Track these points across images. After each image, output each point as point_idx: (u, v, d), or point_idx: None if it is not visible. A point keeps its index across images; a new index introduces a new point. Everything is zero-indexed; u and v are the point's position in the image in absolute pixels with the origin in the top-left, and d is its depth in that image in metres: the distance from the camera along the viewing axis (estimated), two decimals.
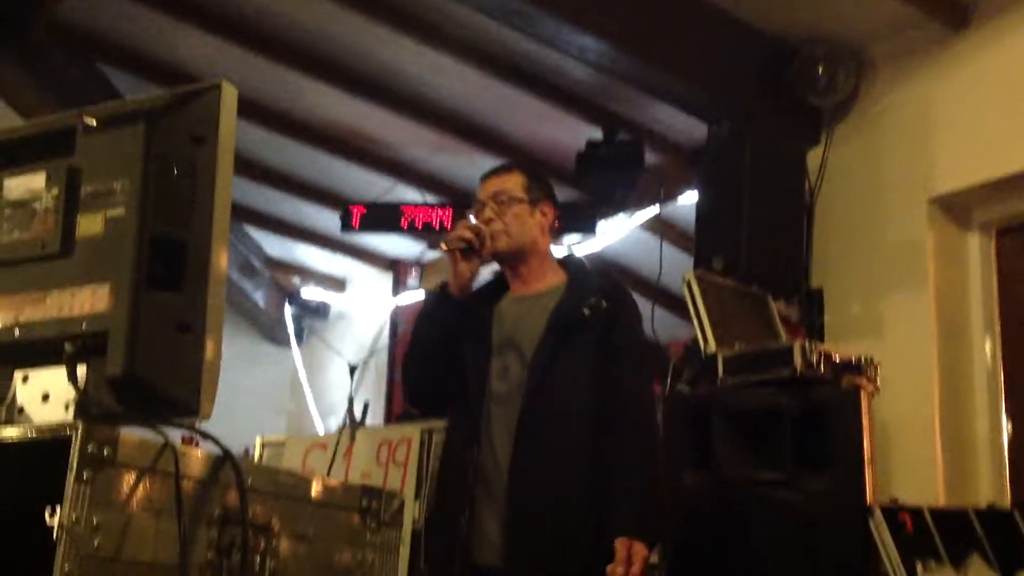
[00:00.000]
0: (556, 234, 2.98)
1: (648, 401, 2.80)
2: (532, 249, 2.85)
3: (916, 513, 2.85)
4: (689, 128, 4.82)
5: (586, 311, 2.70)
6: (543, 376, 2.66)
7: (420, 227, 5.83)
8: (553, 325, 2.71)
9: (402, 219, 5.87)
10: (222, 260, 1.49)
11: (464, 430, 2.72)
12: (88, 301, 1.44)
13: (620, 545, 2.51)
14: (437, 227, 5.72)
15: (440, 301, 2.75)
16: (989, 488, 3.75)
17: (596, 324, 2.70)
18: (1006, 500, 3.67)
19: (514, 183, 2.86)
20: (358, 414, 5.94)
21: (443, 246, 2.73)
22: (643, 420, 2.73)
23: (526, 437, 2.64)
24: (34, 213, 1.51)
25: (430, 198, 6.05)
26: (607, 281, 2.88)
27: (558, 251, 2.99)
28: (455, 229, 2.74)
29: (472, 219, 2.84)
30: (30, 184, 1.53)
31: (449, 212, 5.75)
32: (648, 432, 2.74)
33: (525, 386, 2.67)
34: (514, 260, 2.84)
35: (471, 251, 2.70)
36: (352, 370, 6.54)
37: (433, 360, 2.75)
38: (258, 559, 1.48)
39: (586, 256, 5.99)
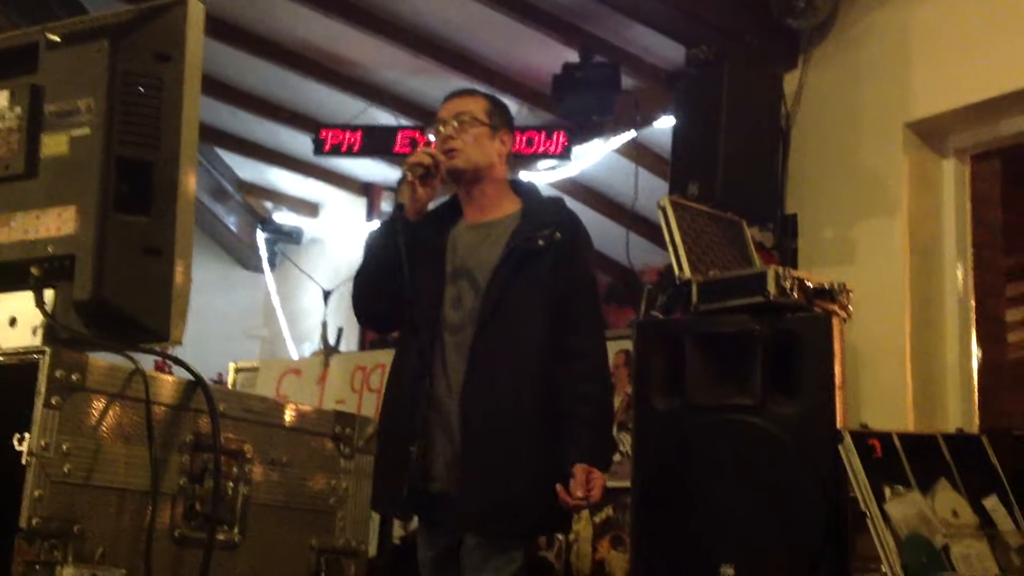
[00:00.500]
0: (512, 165, 2.97)
1: (601, 333, 2.84)
2: (488, 174, 2.83)
3: (885, 438, 2.88)
4: (666, 51, 4.77)
5: (541, 242, 2.71)
6: (497, 304, 2.66)
7: (394, 151, 5.77)
8: (508, 254, 2.70)
9: (376, 142, 5.81)
10: (190, 182, 1.46)
11: (415, 358, 2.69)
12: (54, 224, 1.42)
13: (580, 471, 2.57)
14: (410, 151, 5.66)
15: (395, 224, 2.70)
16: (958, 414, 3.80)
17: (550, 254, 2.71)
18: (974, 426, 3.71)
19: (477, 106, 2.84)
20: (332, 340, 5.94)
21: (407, 175, 2.69)
22: (598, 351, 2.79)
23: (478, 364, 2.64)
24: None
25: (404, 121, 5.98)
26: (561, 211, 2.86)
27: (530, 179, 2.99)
28: (413, 154, 2.72)
29: (431, 138, 2.84)
30: None
31: (421, 136, 5.69)
32: (603, 364, 2.82)
33: (478, 314, 2.67)
34: (470, 182, 2.82)
35: (428, 175, 2.69)
36: (326, 295, 6.53)
37: (384, 284, 2.71)
38: (231, 485, 1.48)
39: (556, 182, 5.99)
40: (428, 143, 2.84)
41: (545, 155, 5.47)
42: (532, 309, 2.68)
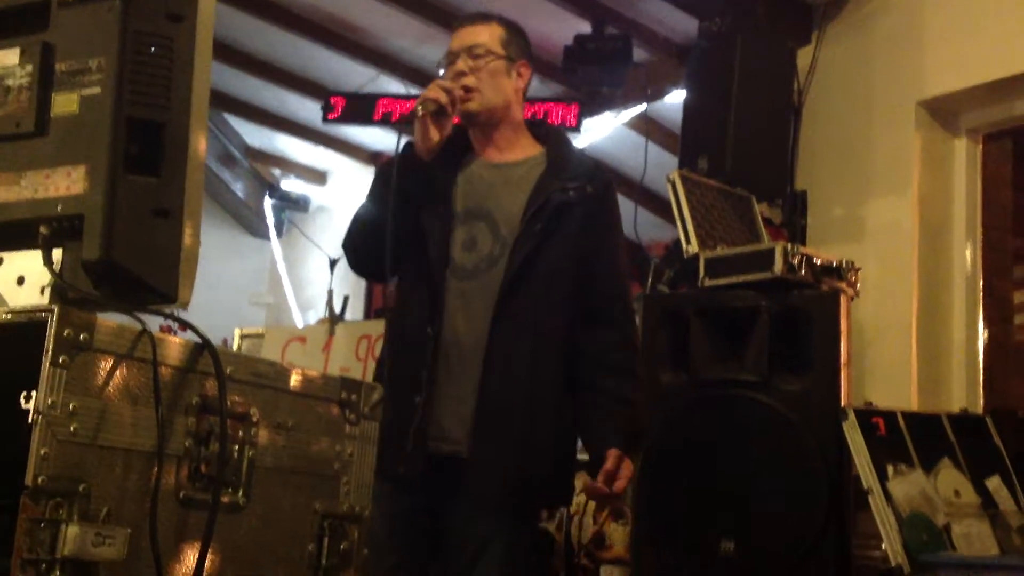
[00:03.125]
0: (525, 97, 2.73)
1: (631, 298, 2.66)
2: (505, 115, 2.61)
3: (889, 416, 2.88)
4: (679, 23, 4.75)
5: (572, 193, 2.51)
6: (527, 260, 2.45)
7: (401, 120, 5.75)
8: (541, 205, 2.49)
9: (384, 111, 5.80)
10: (201, 144, 1.45)
11: (419, 304, 2.48)
12: (63, 183, 1.41)
13: (613, 459, 2.41)
14: None
15: (406, 164, 2.46)
16: (962, 394, 3.80)
17: (581, 208, 2.52)
18: (979, 406, 3.72)
19: (491, 35, 2.60)
20: (337, 308, 5.95)
21: (418, 110, 2.45)
22: (625, 319, 2.61)
23: (503, 324, 2.43)
24: (7, 90, 1.47)
25: (413, 90, 5.96)
26: (591, 161, 2.69)
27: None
28: (427, 90, 2.48)
29: (441, 74, 2.62)
30: (3, 60, 1.49)
31: None
32: (634, 331, 2.64)
33: (507, 265, 2.45)
34: (485, 124, 2.59)
35: (442, 113, 2.46)
36: (332, 264, 6.52)
37: (394, 227, 2.43)
38: (236, 448, 1.48)
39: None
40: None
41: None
42: (563, 268, 2.49)
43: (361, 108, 5.85)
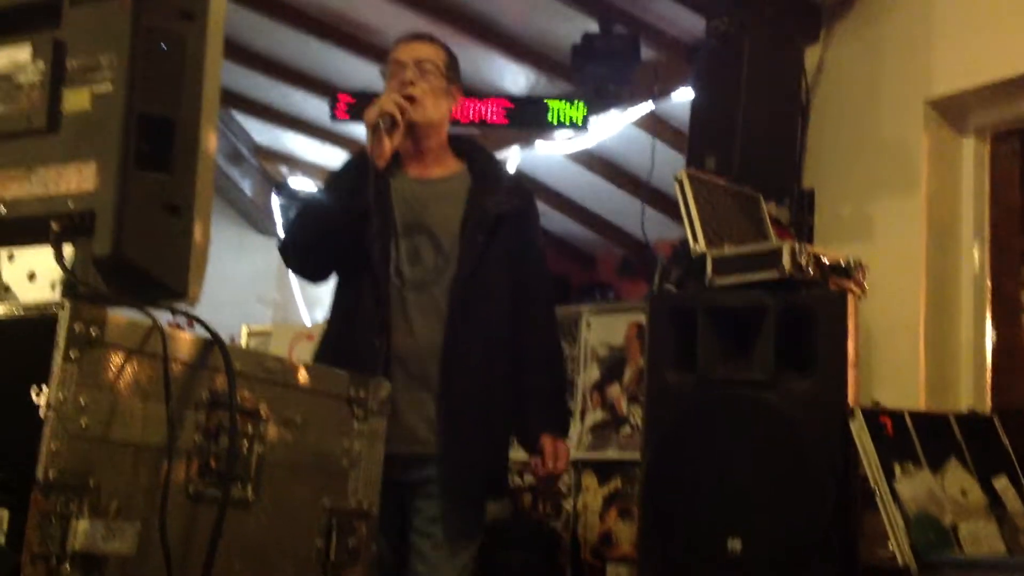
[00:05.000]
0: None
1: (553, 301, 2.91)
2: (438, 131, 2.77)
3: (897, 416, 2.88)
4: (687, 23, 4.74)
5: (504, 206, 2.71)
6: (473, 271, 2.65)
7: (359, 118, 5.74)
8: (480, 218, 2.68)
9: None
10: (211, 141, 1.46)
11: (366, 313, 2.59)
12: (74, 179, 1.42)
13: (548, 442, 2.70)
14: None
15: (364, 171, 2.57)
16: (970, 394, 3.79)
17: (512, 221, 2.73)
18: (986, 406, 3.71)
19: (438, 55, 2.78)
20: None
21: (374, 119, 2.57)
22: (553, 320, 2.87)
23: (458, 329, 2.62)
24: (19, 87, 1.48)
25: None
26: (513, 175, 2.91)
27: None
28: (380, 102, 2.62)
29: (384, 83, 2.76)
30: (15, 56, 1.49)
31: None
32: (557, 332, 2.90)
33: (455, 276, 2.64)
34: (419, 137, 2.73)
35: (395, 125, 2.60)
36: None
37: (342, 233, 2.60)
38: (245, 443, 1.49)
39: (572, 153, 5.96)
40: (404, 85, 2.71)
41: (562, 125, 5.45)
42: (502, 275, 2.70)
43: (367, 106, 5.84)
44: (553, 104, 5.41)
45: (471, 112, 5.41)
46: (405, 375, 2.59)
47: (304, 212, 2.76)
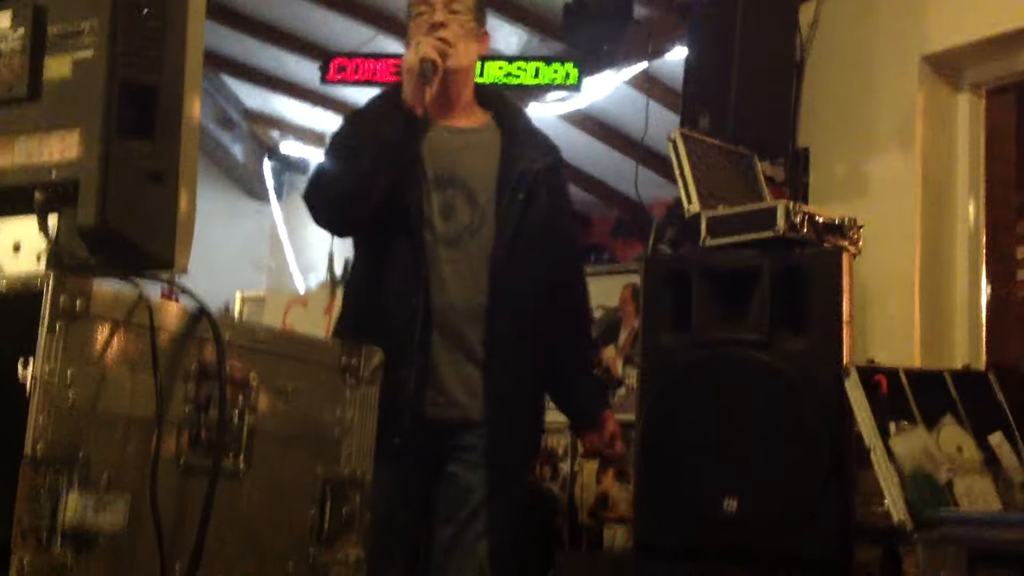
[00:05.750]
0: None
1: (581, 262, 2.85)
2: (467, 77, 2.61)
3: (891, 374, 2.87)
4: None
5: (538, 164, 2.58)
6: (516, 231, 2.52)
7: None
8: (520, 177, 2.55)
9: (384, 71, 5.76)
10: (195, 108, 1.44)
11: (401, 271, 2.46)
12: (57, 148, 1.40)
13: (611, 419, 2.65)
14: None
15: (394, 116, 2.41)
16: (965, 350, 3.79)
17: (545, 180, 2.61)
18: (981, 362, 3.71)
19: None
20: (339, 270, 5.94)
21: (415, 64, 2.39)
22: (585, 283, 2.79)
23: (502, 288, 2.49)
24: None
25: None
26: (542, 132, 2.73)
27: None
28: (418, 45, 2.43)
29: (408, 23, 2.57)
30: None
31: None
32: (588, 295, 2.81)
33: (497, 234, 2.51)
34: (449, 83, 2.53)
35: (435, 70, 2.42)
36: None
37: (379, 186, 2.43)
38: (236, 413, 1.48)
39: (566, 114, 5.92)
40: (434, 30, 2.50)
41: (555, 86, 5.41)
42: (539, 237, 2.58)
43: (360, 69, 5.81)
44: (546, 65, 5.37)
45: None
46: (440, 335, 2.45)
47: (338, 158, 2.52)
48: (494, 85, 2.78)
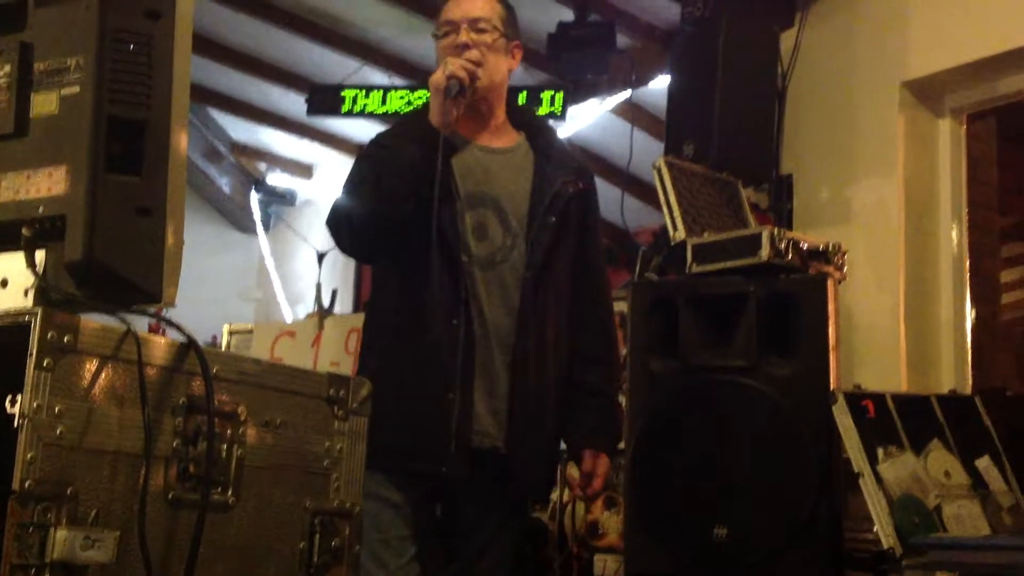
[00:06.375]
0: None
1: (611, 294, 2.75)
2: (499, 94, 2.54)
3: (878, 399, 2.88)
4: (663, 10, 4.74)
5: (571, 188, 2.52)
6: (546, 255, 2.46)
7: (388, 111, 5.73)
8: (553, 199, 2.48)
9: (370, 102, 5.78)
10: (182, 142, 1.45)
11: (440, 293, 2.37)
12: (45, 184, 1.41)
13: (590, 457, 2.53)
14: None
15: (433, 142, 2.31)
16: (951, 374, 3.81)
17: (577, 204, 2.55)
18: (968, 386, 3.73)
19: (494, 11, 2.51)
20: (326, 302, 5.94)
21: (443, 83, 2.33)
22: (611, 313, 2.71)
23: (531, 314, 2.43)
24: None
25: (397, 81, 5.94)
26: (575, 153, 2.69)
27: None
28: (447, 64, 2.37)
29: (436, 45, 2.52)
30: None
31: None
32: (615, 326, 2.72)
33: (528, 258, 2.45)
34: (482, 104, 2.49)
35: (463, 91, 2.36)
36: (320, 257, 6.51)
37: (410, 205, 2.34)
38: (224, 447, 1.47)
39: None
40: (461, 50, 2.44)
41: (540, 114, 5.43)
42: (568, 263, 2.53)
43: (346, 100, 5.82)
44: (531, 93, 5.39)
45: None
46: (477, 358, 2.40)
47: (363, 181, 2.42)
48: (524, 105, 2.67)
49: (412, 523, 2.39)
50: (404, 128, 2.53)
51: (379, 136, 2.59)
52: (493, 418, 2.41)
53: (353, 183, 2.46)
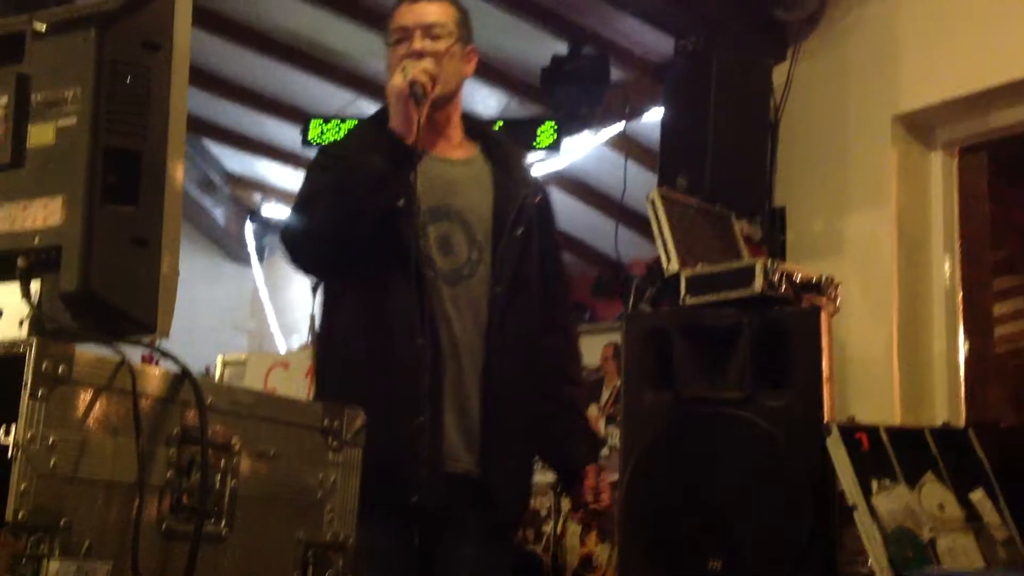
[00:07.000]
0: None
1: (571, 304, 2.75)
2: (455, 102, 2.44)
3: (872, 431, 2.88)
4: (656, 43, 4.77)
5: (530, 199, 2.45)
6: (515, 268, 2.39)
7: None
8: (518, 212, 2.40)
9: None
10: (178, 173, 1.45)
11: (402, 311, 2.25)
12: (41, 214, 1.41)
13: (593, 473, 2.49)
14: None
15: (396, 148, 2.22)
16: (945, 407, 3.81)
17: (537, 213, 2.49)
18: (961, 419, 3.73)
19: (449, 15, 2.42)
20: None
21: (404, 89, 2.22)
22: (574, 324, 2.71)
23: (500, 331, 2.35)
24: None
25: None
26: (526, 163, 2.63)
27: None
28: (406, 69, 2.26)
29: (390, 51, 2.41)
30: None
31: None
32: (577, 338, 2.67)
33: (494, 273, 2.36)
34: (438, 113, 2.38)
35: (424, 95, 2.24)
36: (314, 288, 6.50)
37: (370, 221, 2.24)
38: (218, 478, 1.47)
39: (545, 174, 5.97)
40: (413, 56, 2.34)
41: (534, 148, 5.46)
42: (534, 276, 2.46)
43: (341, 131, 5.84)
44: (525, 126, 5.42)
45: None
46: (447, 381, 2.30)
47: (322, 194, 2.30)
48: (472, 114, 2.58)
49: (392, 558, 2.26)
50: (359, 138, 2.43)
51: (330, 147, 2.53)
52: (466, 440, 2.31)
53: (310, 196, 2.36)
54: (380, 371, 2.27)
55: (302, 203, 2.39)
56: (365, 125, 2.51)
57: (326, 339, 2.48)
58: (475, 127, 2.56)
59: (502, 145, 2.58)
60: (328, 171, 2.36)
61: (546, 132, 5.39)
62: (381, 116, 2.41)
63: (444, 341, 2.30)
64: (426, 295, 2.27)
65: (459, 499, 2.31)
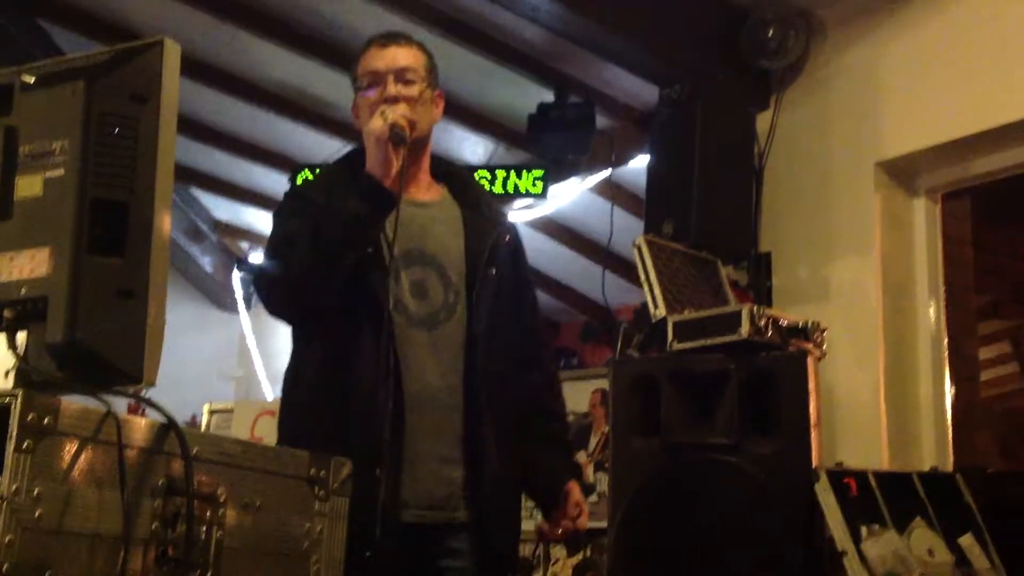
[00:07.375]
0: None
1: (551, 341, 2.79)
2: (426, 146, 2.44)
3: (861, 477, 2.88)
4: (641, 91, 4.81)
5: (502, 239, 2.46)
6: (491, 309, 2.38)
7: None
8: (491, 254, 2.41)
9: None
10: (165, 224, 1.46)
11: (368, 359, 2.23)
12: (27, 265, 1.41)
13: (575, 488, 2.48)
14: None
15: (378, 194, 2.19)
16: (932, 452, 3.81)
17: (510, 255, 2.50)
18: (948, 464, 3.73)
19: (419, 60, 2.42)
20: None
21: (384, 132, 2.20)
22: (554, 363, 2.71)
23: (480, 374, 2.32)
24: None
25: None
26: (497, 203, 2.65)
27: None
28: (384, 113, 2.25)
29: (361, 95, 2.42)
30: None
31: None
32: (558, 374, 2.70)
33: (471, 315, 2.35)
34: (410, 157, 2.33)
35: (403, 140, 2.23)
36: None
37: (348, 260, 2.22)
38: (204, 529, 1.46)
39: (532, 220, 5.99)
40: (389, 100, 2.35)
41: (521, 195, 5.49)
42: (510, 315, 2.46)
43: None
44: (512, 174, 5.44)
45: None
46: (417, 426, 2.24)
47: (296, 238, 2.26)
48: (438, 155, 2.56)
49: None
50: (333, 182, 2.41)
51: (300, 189, 2.54)
52: (448, 487, 2.28)
53: (283, 241, 2.32)
54: (338, 422, 2.23)
55: (275, 248, 2.37)
56: (335, 169, 2.51)
57: (290, 387, 2.46)
58: (440, 167, 2.56)
59: (469, 185, 2.60)
60: (300, 214, 2.33)
61: (533, 178, 5.42)
62: (352, 159, 2.41)
63: (413, 387, 2.26)
64: (391, 342, 2.23)
65: (441, 547, 2.28)
